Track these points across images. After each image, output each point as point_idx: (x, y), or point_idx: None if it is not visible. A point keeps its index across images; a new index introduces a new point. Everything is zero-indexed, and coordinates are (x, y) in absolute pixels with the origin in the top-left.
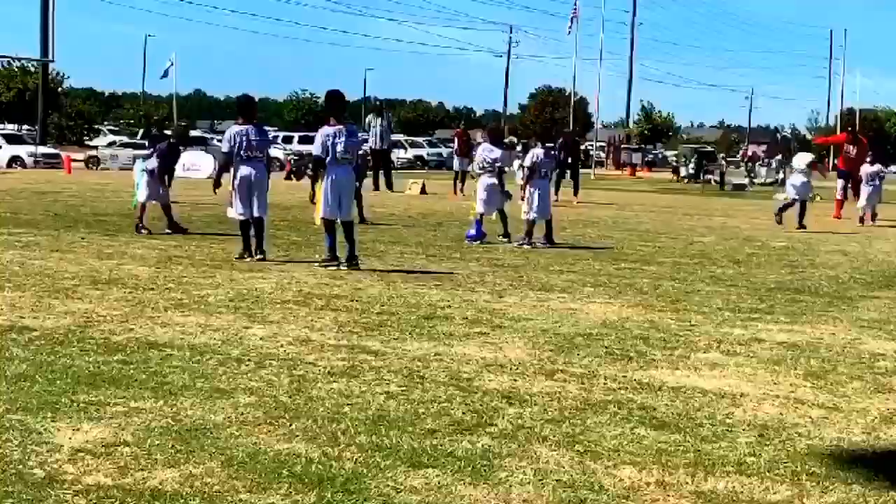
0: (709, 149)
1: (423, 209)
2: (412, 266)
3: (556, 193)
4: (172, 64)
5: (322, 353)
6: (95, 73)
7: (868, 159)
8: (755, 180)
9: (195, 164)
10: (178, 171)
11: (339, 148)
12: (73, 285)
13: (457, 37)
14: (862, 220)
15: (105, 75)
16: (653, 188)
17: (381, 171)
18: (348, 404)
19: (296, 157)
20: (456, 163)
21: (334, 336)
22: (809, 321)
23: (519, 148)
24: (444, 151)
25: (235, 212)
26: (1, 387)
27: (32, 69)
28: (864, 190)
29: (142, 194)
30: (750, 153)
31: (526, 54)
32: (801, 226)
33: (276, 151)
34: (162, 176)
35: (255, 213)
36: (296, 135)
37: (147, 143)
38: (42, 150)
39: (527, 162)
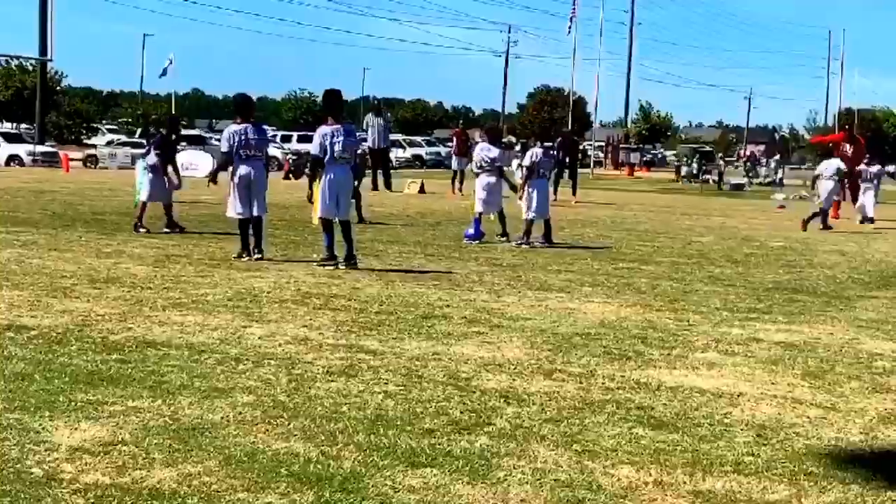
0: (707, 149)
1: (421, 209)
2: (410, 265)
3: (555, 193)
4: (171, 62)
5: (320, 352)
6: (94, 72)
7: (866, 160)
8: (753, 180)
9: (193, 164)
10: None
11: (338, 147)
12: (71, 284)
13: (455, 36)
14: (869, 220)
15: (103, 74)
16: (651, 188)
17: (380, 171)
18: (346, 404)
19: (294, 157)
20: (454, 162)
21: (332, 335)
22: (807, 321)
23: (518, 147)
24: (443, 151)
25: (234, 211)
26: None
27: (31, 68)
28: (865, 189)
29: (144, 193)
30: (748, 153)
31: (525, 54)
32: (827, 226)
33: (274, 150)
34: (165, 169)
35: (254, 213)
36: (294, 134)
37: (145, 142)
38: (40, 148)
39: (526, 161)
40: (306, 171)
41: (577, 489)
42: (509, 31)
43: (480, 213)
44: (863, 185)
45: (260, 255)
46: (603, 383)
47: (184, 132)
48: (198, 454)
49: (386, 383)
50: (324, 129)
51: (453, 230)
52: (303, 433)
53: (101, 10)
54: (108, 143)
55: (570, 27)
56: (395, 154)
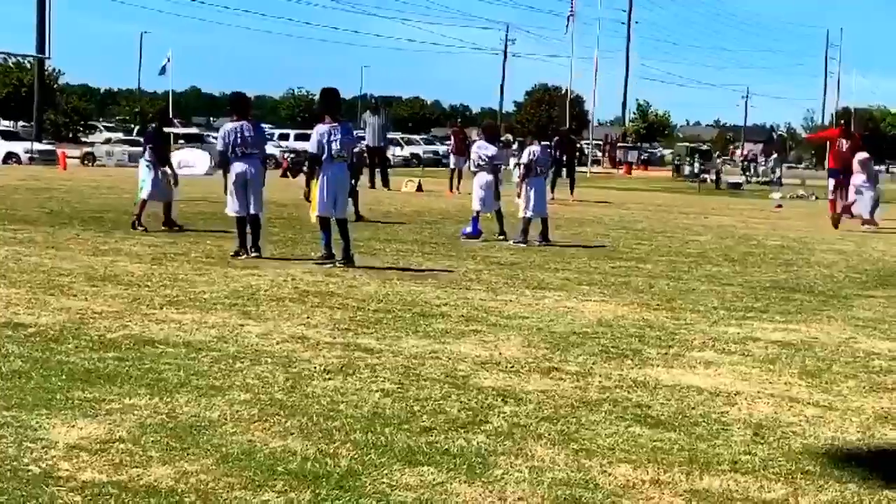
0: (704, 147)
1: (419, 207)
2: (408, 264)
3: (553, 192)
4: (169, 60)
5: (317, 350)
6: (91, 70)
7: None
8: (751, 179)
9: (190, 162)
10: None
11: (335, 146)
12: (69, 282)
13: (454, 35)
14: (871, 221)
15: (101, 72)
16: (649, 187)
17: (378, 169)
18: (343, 402)
19: (292, 155)
20: (452, 161)
21: (330, 333)
22: (804, 320)
23: (515, 146)
24: (441, 149)
25: (231, 209)
26: None
27: (28, 65)
28: (867, 194)
29: (144, 192)
30: (746, 152)
31: (522, 52)
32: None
33: (272, 149)
34: (160, 162)
35: (252, 210)
36: (292, 132)
37: (142, 140)
38: (38, 146)
39: (523, 159)
40: (304, 169)
41: (575, 487)
42: (507, 30)
43: (478, 212)
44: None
45: (257, 254)
46: (600, 382)
47: (182, 130)
48: (195, 452)
49: (383, 381)
50: (321, 128)
51: (451, 228)
52: (300, 431)
53: (99, 8)
54: (106, 141)
55: (567, 26)
56: (393, 152)
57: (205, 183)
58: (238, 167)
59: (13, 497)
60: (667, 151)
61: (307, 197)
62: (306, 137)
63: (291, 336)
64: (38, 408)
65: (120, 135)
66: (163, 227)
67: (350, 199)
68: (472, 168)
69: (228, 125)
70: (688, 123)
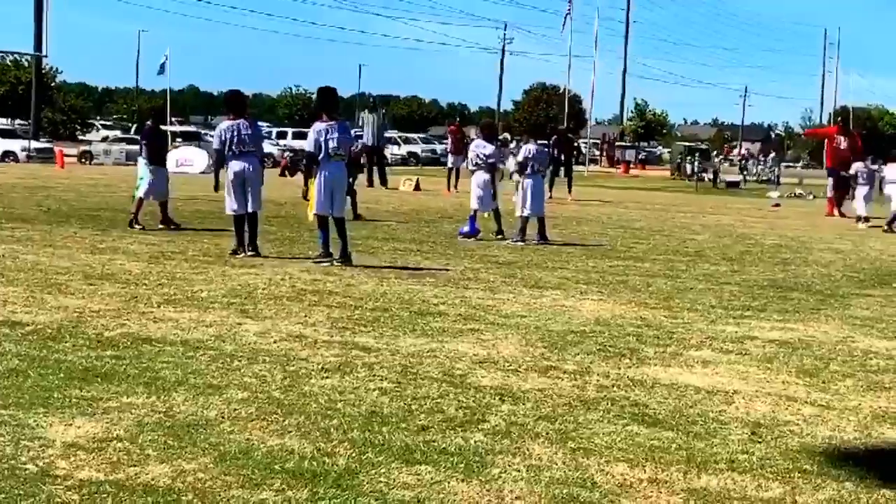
0: (703, 146)
1: (416, 206)
2: (405, 262)
3: (550, 191)
4: (167, 59)
5: (315, 349)
6: (89, 69)
7: (870, 160)
8: (749, 178)
9: (188, 160)
10: (171, 166)
11: (332, 144)
12: (66, 280)
13: (452, 33)
14: (866, 219)
15: (98, 70)
16: (646, 186)
17: (375, 168)
18: (341, 400)
19: (291, 154)
20: (450, 160)
21: (327, 332)
22: (802, 319)
23: (513, 145)
24: (439, 148)
25: (230, 208)
26: None
27: (26, 63)
28: (859, 188)
29: (142, 190)
30: (744, 151)
31: (520, 51)
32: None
33: (270, 147)
34: (156, 160)
35: (249, 208)
36: (290, 130)
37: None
38: (35, 144)
39: (519, 157)
40: (301, 167)
41: (572, 486)
42: (505, 29)
43: (475, 211)
44: (858, 184)
45: (254, 252)
46: (598, 381)
47: (180, 128)
48: (192, 451)
49: (381, 380)
50: (319, 126)
51: (449, 227)
52: (297, 430)
53: (97, 6)
54: (103, 140)
55: (564, 24)
56: (391, 151)
57: (202, 181)
58: (236, 165)
59: (11, 495)
60: (665, 151)
61: (305, 195)
62: (304, 136)
63: (289, 335)
64: (36, 406)
65: (117, 133)
66: (160, 226)
67: (348, 198)
68: (470, 167)
69: (225, 123)
70: (686, 122)
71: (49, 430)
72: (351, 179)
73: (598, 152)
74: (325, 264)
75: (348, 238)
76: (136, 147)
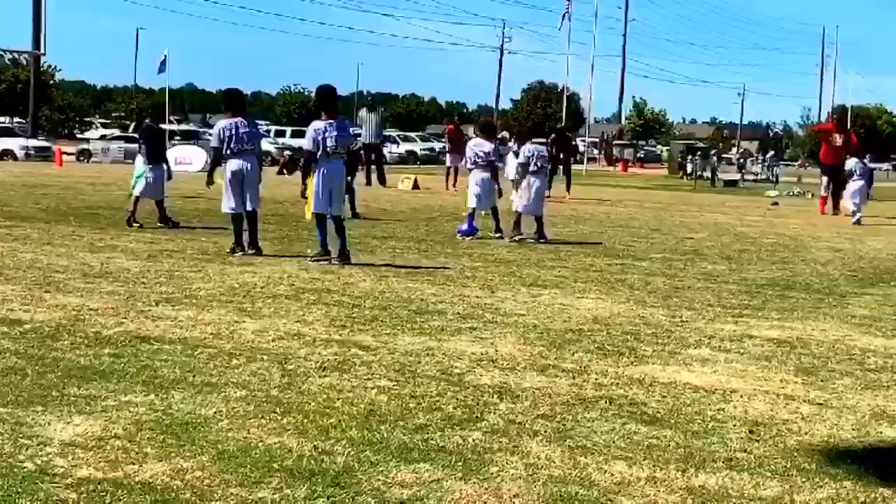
0: (701, 145)
1: (415, 204)
2: (404, 261)
3: (549, 189)
4: (166, 57)
5: (313, 347)
6: (87, 67)
7: (868, 158)
8: (746, 177)
9: (186, 158)
10: (170, 164)
11: (330, 142)
12: (64, 279)
13: (450, 32)
14: (857, 219)
15: (97, 69)
16: (645, 184)
17: (374, 166)
18: (339, 399)
19: (290, 153)
20: (448, 158)
21: (326, 330)
22: (800, 317)
23: (511, 143)
24: (437, 146)
25: (227, 206)
26: None
27: (24, 62)
28: (853, 185)
29: (138, 188)
30: (742, 150)
31: (519, 50)
32: None
33: (268, 146)
34: (153, 159)
35: (248, 207)
36: (288, 129)
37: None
38: (33, 142)
39: (521, 158)
40: (300, 165)
41: (570, 485)
42: (504, 27)
43: (473, 209)
44: (850, 181)
45: (255, 251)
46: (596, 379)
47: (178, 127)
48: (190, 449)
49: (379, 379)
50: (317, 125)
51: (447, 226)
52: (296, 428)
53: (95, 4)
54: (102, 138)
55: (561, 23)
56: (389, 150)
57: (201, 180)
58: (234, 164)
59: (8, 493)
60: (664, 149)
61: (304, 194)
62: (302, 135)
63: (287, 333)
64: (34, 404)
65: (116, 131)
66: (159, 224)
67: (346, 196)
68: (468, 165)
69: (223, 122)
70: (684, 121)
71: (47, 429)
72: (350, 178)
73: (596, 151)
74: (323, 263)
75: (347, 236)
76: (135, 145)
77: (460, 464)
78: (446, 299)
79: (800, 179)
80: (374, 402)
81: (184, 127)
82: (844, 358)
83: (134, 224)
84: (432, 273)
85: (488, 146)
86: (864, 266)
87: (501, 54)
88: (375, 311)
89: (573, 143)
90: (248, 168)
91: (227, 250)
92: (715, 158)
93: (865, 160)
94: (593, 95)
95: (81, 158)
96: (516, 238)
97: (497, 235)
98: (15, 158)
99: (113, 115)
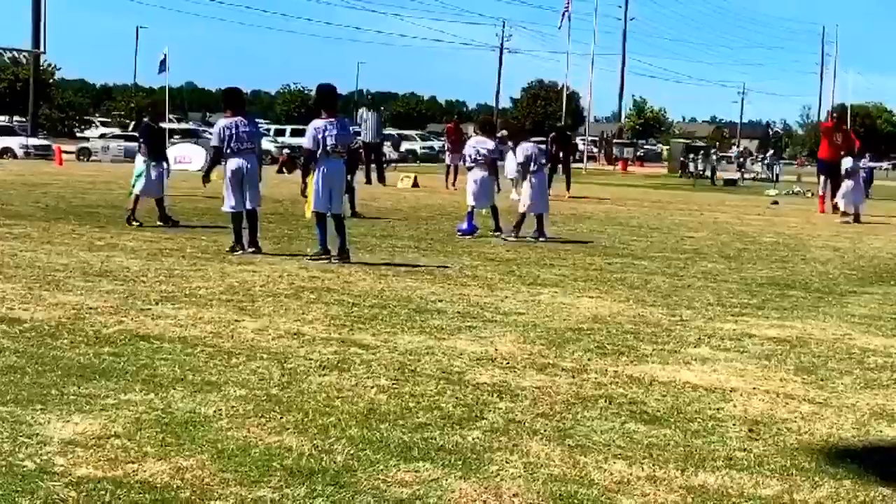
0: (699, 144)
1: (415, 203)
2: (404, 260)
3: (549, 188)
4: (166, 56)
5: (313, 346)
6: (87, 66)
7: (867, 157)
8: (746, 176)
9: (186, 157)
10: (170, 163)
11: (330, 141)
12: (64, 277)
13: (450, 31)
14: (839, 211)
15: (97, 67)
16: (645, 183)
17: (373, 165)
18: (339, 398)
19: (290, 151)
20: (448, 157)
21: (325, 329)
22: (800, 317)
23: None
24: (437, 145)
25: (228, 205)
26: None
27: (24, 60)
28: (847, 184)
29: (138, 187)
30: (742, 149)
31: (519, 49)
32: None
33: (268, 144)
34: (152, 157)
35: (248, 206)
36: (288, 128)
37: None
38: (33, 141)
39: (519, 158)
40: (299, 163)
41: (570, 483)
42: (504, 26)
43: (472, 207)
44: (845, 178)
45: (255, 249)
46: (595, 378)
47: (178, 126)
48: (190, 448)
49: (379, 377)
50: (317, 123)
51: (447, 224)
52: (295, 427)
53: (95, 3)
54: (101, 136)
55: (561, 21)
56: (389, 149)
57: (199, 178)
58: (234, 163)
59: (8, 492)
60: (664, 148)
61: (304, 193)
62: (302, 133)
63: (287, 332)
64: (34, 403)
65: (116, 130)
66: (158, 223)
67: (346, 195)
68: (468, 164)
69: (223, 121)
70: (684, 120)
71: (47, 427)
72: (349, 176)
73: (596, 150)
74: (323, 261)
75: (346, 235)
76: (134, 144)
77: (460, 463)
78: (446, 298)
79: (799, 178)
80: (374, 401)
81: (183, 126)
82: (844, 357)
83: (134, 223)
84: (432, 272)
85: (490, 144)
86: (864, 265)
87: (501, 53)
88: (375, 310)
89: (573, 141)
90: (249, 167)
91: (227, 249)
92: (715, 157)
93: (866, 158)
94: (593, 94)
95: (81, 157)
96: (510, 238)
97: (496, 234)
98: (15, 157)
99: (113, 113)
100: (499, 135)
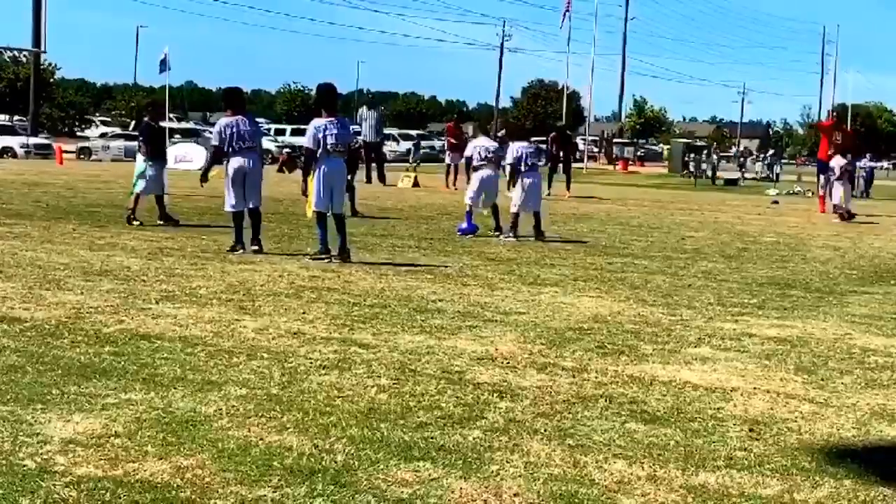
0: (700, 144)
1: (415, 202)
2: (404, 259)
3: (549, 188)
4: (167, 56)
5: (313, 345)
6: (88, 65)
7: (867, 157)
8: (746, 175)
9: (187, 156)
10: (171, 163)
11: (331, 140)
12: (65, 276)
13: (450, 30)
14: (837, 210)
15: (97, 67)
16: (645, 182)
17: (374, 164)
18: (339, 397)
19: (290, 151)
20: (448, 157)
21: (326, 329)
22: (800, 316)
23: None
24: (437, 144)
25: (229, 204)
26: None
27: (24, 59)
28: (839, 183)
29: (139, 186)
30: (742, 149)
31: (519, 48)
32: None
33: (268, 144)
34: (152, 156)
35: (250, 205)
36: (288, 127)
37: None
38: (34, 140)
39: (508, 159)
40: (299, 163)
41: (570, 483)
42: (504, 25)
43: (470, 206)
44: (834, 177)
45: (257, 248)
46: (596, 378)
47: (178, 125)
48: (191, 447)
49: (379, 377)
50: (317, 122)
51: (447, 224)
52: (296, 426)
53: (95, 2)
54: (102, 136)
55: (563, 21)
56: (389, 147)
57: (199, 177)
58: (236, 162)
59: (8, 492)
60: (665, 147)
61: (304, 192)
62: (302, 133)
63: (287, 331)
64: (34, 402)
65: (116, 129)
66: (159, 222)
67: (346, 195)
68: (475, 163)
69: (224, 120)
70: (684, 120)
71: (47, 427)
72: (350, 176)
73: (596, 149)
74: (323, 261)
75: (347, 234)
76: (135, 143)
77: (460, 462)
78: (446, 297)
79: (800, 178)
80: (374, 401)
81: (184, 125)
82: (844, 356)
83: (134, 222)
84: (432, 271)
85: (493, 144)
86: (864, 265)
87: (501, 52)
88: (375, 310)
89: (573, 141)
90: (250, 166)
91: (228, 248)
92: (715, 157)
93: (866, 158)
94: (593, 94)
95: (82, 156)
96: (510, 238)
97: (496, 234)
98: (15, 156)
99: (113, 113)
100: (498, 134)
